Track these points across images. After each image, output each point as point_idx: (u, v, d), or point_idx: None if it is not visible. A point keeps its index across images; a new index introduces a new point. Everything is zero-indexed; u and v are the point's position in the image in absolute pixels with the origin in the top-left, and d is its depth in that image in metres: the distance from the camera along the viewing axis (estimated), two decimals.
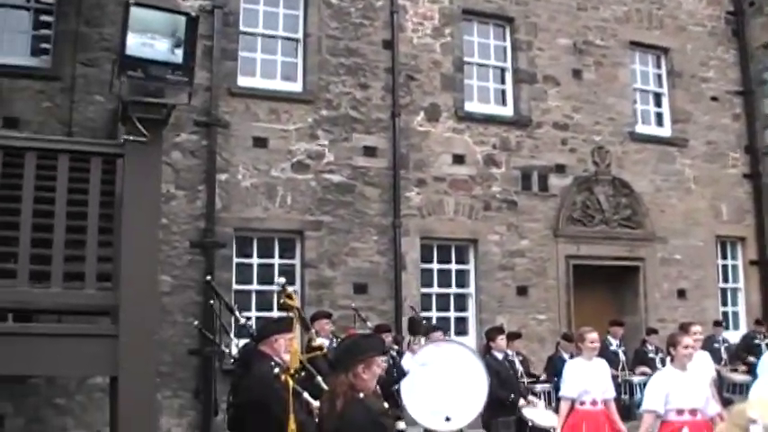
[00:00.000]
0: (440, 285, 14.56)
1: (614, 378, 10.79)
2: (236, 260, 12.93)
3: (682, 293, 16.57)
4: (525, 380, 11.51)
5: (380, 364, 4.87)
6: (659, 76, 17.39)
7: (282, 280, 5.66)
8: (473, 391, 8.78)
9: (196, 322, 10.40)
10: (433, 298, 14.45)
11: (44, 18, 12.47)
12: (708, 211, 17.16)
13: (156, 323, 6.29)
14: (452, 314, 14.57)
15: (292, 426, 5.10)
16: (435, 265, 14.57)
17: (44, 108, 11.91)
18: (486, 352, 10.72)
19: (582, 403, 8.44)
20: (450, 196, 14.52)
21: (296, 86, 13.80)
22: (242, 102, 13.20)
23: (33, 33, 12.46)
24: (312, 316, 10.36)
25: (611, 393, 8.69)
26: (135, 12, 5.92)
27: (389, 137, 14.02)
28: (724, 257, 17.71)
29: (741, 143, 17.80)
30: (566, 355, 11.61)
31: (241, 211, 12.92)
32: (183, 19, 6.25)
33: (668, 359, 7.49)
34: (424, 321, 12.50)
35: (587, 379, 8.42)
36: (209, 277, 9.63)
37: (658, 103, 17.35)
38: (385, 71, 14.23)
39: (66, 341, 5.48)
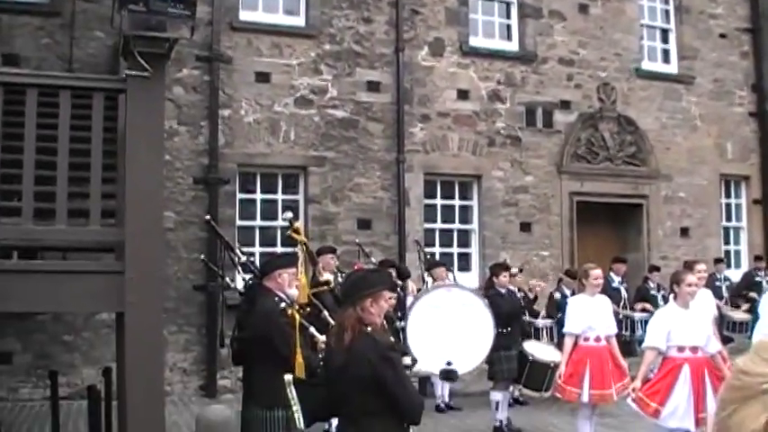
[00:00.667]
0: (443, 221, 14.59)
1: (616, 315, 10.86)
2: (239, 196, 12.93)
3: (685, 231, 16.60)
4: (527, 317, 11.57)
5: (388, 298, 4.89)
6: (667, 12, 17.14)
7: (290, 214, 5.66)
8: (478, 341, 8.83)
9: (202, 256, 10.43)
10: (437, 234, 14.49)
11: None
12: (713, 149, 17.09)
13: (161, 259, 6.31)
14: (455, 250, 14.63)
15: (299, 359, 5.13)
16: (439, 201, 14.58)
17: (44, 44, 11.80)
18: (488, 287, 10.76)
19: (586, 339, 8.51)
20: (455, 132, 14.45)
21: (299, 21, 13.64)
22: (244, 36, 13.06)
23: None
24: (317, 251, 10.37)
25: (613, 330, 8.76)
26: None
27: (393, 72, 13.89)
28: (728, 196, 17.70)
29: (748, 81, 17.64)
30: (567, 292, 11.65)
31: (244, 146, 12.88)
32: None
33: (671, 296, 7.52)
34: (428, 257, 12.53)
35: (591, 315, 8.47)
36: (208, 216, 9.63)
37: (665, 40, 17.14)
38: (389, 5, 14.03)
39: (71, 278, 5.49)
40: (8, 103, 5.62)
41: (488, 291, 10.53)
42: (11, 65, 11.10)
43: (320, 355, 5.33)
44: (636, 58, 16.29)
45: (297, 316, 5.12)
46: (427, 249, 13.25)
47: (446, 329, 8.71)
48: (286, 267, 6.20)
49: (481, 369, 10.00)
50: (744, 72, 17.61)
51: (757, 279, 14.56)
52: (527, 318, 11.55)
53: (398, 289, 9.78)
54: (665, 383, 6.99)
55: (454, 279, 11.38)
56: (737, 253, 17.76)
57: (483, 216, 14.65)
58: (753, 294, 13.47)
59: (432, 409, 11.15)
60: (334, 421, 6.29)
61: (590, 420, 8.45)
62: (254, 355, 6.23)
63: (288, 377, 4.61)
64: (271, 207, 13.11)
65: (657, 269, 14.02)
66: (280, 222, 12.78)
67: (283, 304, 5.84)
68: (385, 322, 4.85)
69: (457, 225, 14.73)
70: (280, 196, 13.34)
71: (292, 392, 4.54)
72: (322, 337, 5.28)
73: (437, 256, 13.41)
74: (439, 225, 14.52)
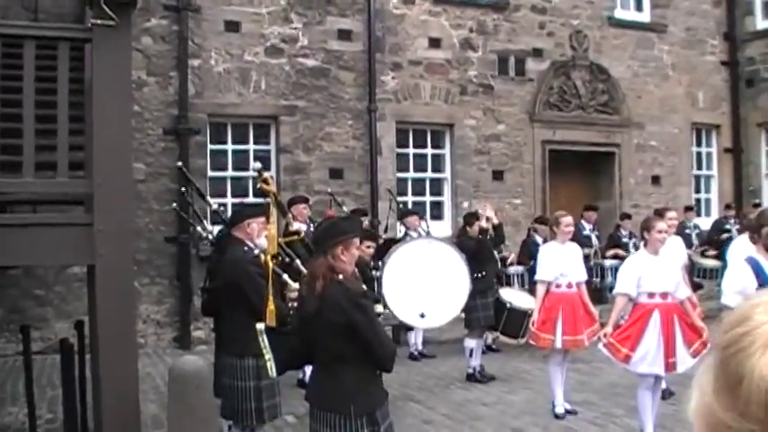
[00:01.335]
0: (416, 170, 14.59)
1: (586, 262, 10.94)
2: (210, 147, 12.84)
3: (656, 180, 16.74)
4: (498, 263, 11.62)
5: (359, 246, 4.88)
6: None
7: (258, 165, 5.60)
8: (453, 295, 8.88)
9: (174, 204, 10.37)
10: (409, 183, 14.50)
11: None
12: (684, 98, 17.16)
13: (131, 210, 6.25)
14: (428, 198, 14.66)
15: (271, 307, 5.14)
16: (411, 150, 14.56)
17: None
18: (461, 234, 10.79)
19: (558, 286, 8.57)
20: (427, 80, 14.39)
21: None
22: None
23: None
24: (289, 201, 10.36)
25: (583, 276, 8.82)
26: None
27: (364, 20, 13.75)
28: (698, 145, 17.84)
29: (720, 30, 17.68)
30: (539, 239, 11.72)
31: (214, 96, 12.75)
32: None
33: (641, 243, 7.58)
34: (400, 206, 12.56)
35: (563, 262, 8.53)
36: (179, 163, 9.55)
37: None
38: None
39: (41, 231, 5.43)
40: None
41: (461, 239, 10.57)
42: None
43: (291, 304, 5.33)
44: (608, 6, 16.24)
45: (270, 264, 5.10)
46: (400, 198, 13.31)
47: (422, 281, 8.75)
48: (255, 217, 6.19)
49: (456, 317, 10.08)
50: (716, 21, 17.63)
51: (727, 227, 14.70)
52: (499, 265, 11.60)
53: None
54: (635, 329, 7.07)
55: (427, 227, 11.41)
56: (708, 201, 17.96)
57: (455, 165, 14.66)
58: (725, 235, 13.65)
59: (405, 357, 11.25)
60: (308, 370, 6.33)
61: (561, 366, 8.56)
62: (225, 305, 6.24)
63: (259, 326, 4.61)
64: (242, 157, 13.03)
65: (629, 217, 14.12)
66: (251, 173, 12.71)
67: (257, 251, 5.84)
68: (357, 271, 4.85)
69: (429, 174, 14.73)
70: (251, 146, 13.26)
71: (264, 341, 4.54)
72: (295, 285, 5.27)
73: (410, 205, 13.45)
74: (411, 174, 14.52)
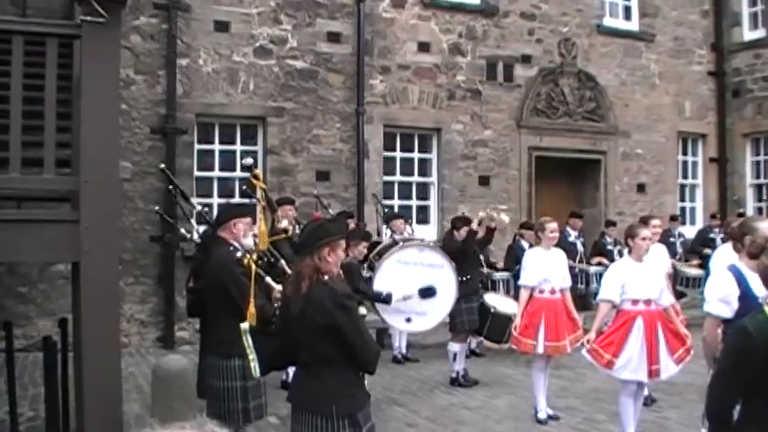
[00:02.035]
0: (402, 174, 14.61)
1: (571, 269, 10.98)
2: (197, 147, 12.82)
3: (641, 188, 16.82)
4: (485, 268, 11.65)
5: (352, 246, 4.89)
6: None
7: (250, 161, 5.62)
8: (440, 303, 8.96)
9: (157, 207, 10.34)
10: (396, 186, 14.51)
11: None
12: (671, 107, 17.26)
13: (117, 208, 6.22)
14: (414, 202, 14.68)
15: (252, 310, 5.13)
16: (398, 154, 14.59)
17: None
18: (448, 239, 10.82)
19: (541, 291, 8.60)
20: (415, 84, 14.42)
21: None
22: None
23: None
24: (276, 202, 10.34)
25: (568, 283, 8.85)
26: None
27: (354, 23, 13.77)
28: (684, 154, 17.94)
29: (708, 40, 17.79)
30: (525, 245, 11.75)
31: (202, 96, 12.73)
32: None
33: (625, 250, 7.62)
34: (386, 210, 12.57)
35: (546, 268, 8.56)
36: (162, 165, 9.52)
37: None
38: None
39: (25, 227, 5.40)
40: None
41: (448, 243, 10.59)
42: None
43: (276, 305, 5.33)
44: (597, 14, 16.31)
45: (253, 265, 5.11)
46: (386, 202, 13.32)
47: (410, 286, 8.82)
48: (241, 217, 6.18)
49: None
50: (704, 31, 17.74)
51: (711, 236, 14.77)
52: (485, 270, 11.62)
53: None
54: (618, 335, 7.10)
55: (412, 231, 11.42)
56: (693, 210, 18.05)
57: (442, 169, 14.70)
58: (707, 251, 13.69)
59: (389, 361, 11.28)
60: (291, 370, 6.32)
61: (544, 372, 8.58)
62: (210, 305, 6.22)
63: (244, 325, 4.61)
64: (229, 158, 13.03)
65: (614, 224, 14.17)
66: (238, 173, 12.72)
67: (239, 253, 5.83)
68: (341, 272, 4.85)
69: (416, 178, 14.76)
70: (238, 147, 13.24)
71: (248, 341, 4.55)
72: (278, 287, 5.27)
73: (396, 209, 13.45)
74: (398, 177, 14.54)
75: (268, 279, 5.50)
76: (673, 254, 12.94)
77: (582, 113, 15.98)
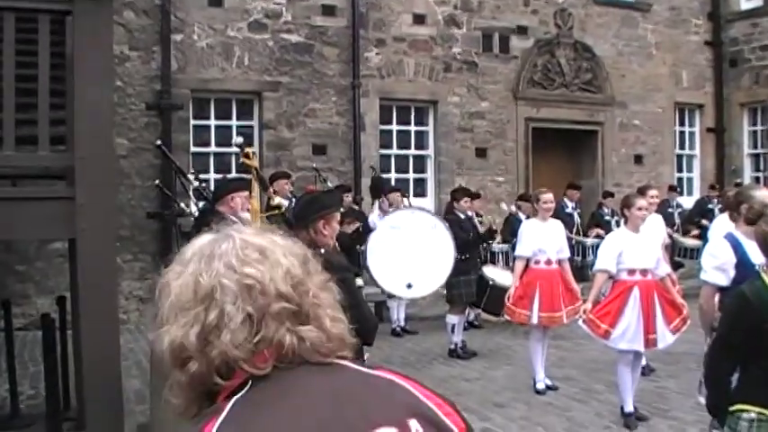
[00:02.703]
0: (399, 147, 14.58)
1: (569, 240, 10.99)
2: (192, 122, 12.79)
3: (639, 159, 16.80)
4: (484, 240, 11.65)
5: (339, 219, 4.89)
6: None
7: (240, 140, 5.59)
8: (438, 263, 8.93)
9: (157, 181, 10.32)
10: (392, 159, 14.49)
11: None
12: (668, 77, 17.20)
13: (113, 185, 6.22)
14: (411, 175, 14.65)
15: None
16: (395, 127, 14.55)
17: None
18: (448, 211, 10.83)
19: (536, 262, 8.62)
20: (411, 57, 14.35)
21: None
22: None
23: None
24: (271, 176, 10.33)
25: (566, 254, 8.87)
26: None
27: None
28: (681, 124, 17.90)
29: (704, 10, 17.69)
30: (522, 216, 11.74)
31: (197, 72, 12.68)
32: None
33: (622, 220, 7.62)
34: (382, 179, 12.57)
35: (542, 239, 8.57)
36: (158, 141, 9.49)
37: None
38: None
39: (21, 204, 5.39)
40: None
41: (448, 215, 10.61)
42: None
43: None
44: None
45: None
46: (383, 175, 13.28)
47: (407, 250, 8.79)
48: (238, 191, 6.18)
49: (438, 293, 10.14)
50: (700, 0, 17.63)
51: (710, 206, 14.75)
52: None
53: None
54: (615, 305, 7.11)
55: (409, 204, 11.43)
56: (690, 180, 18.04)
57: (439, 142, 14.66)
58: (705, 221, 13.68)
59: (388, 333, 11.30)
60: None
61: (542, 342, 8.61)
62: None
63: None
64: (225, 133, 12.98)
65: (611, 195, 14.14)
66: (234, 149, 12.66)
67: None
68: (337, 244, 4.85)
69: (413, 151, 14.73)
70: (234, 122, 13.21)
71: None
72: None
73: (393, 182, 13.43)
74: (394, 151, 14.51)
75: None
76: (671, 224, 12.94)
77: (578, 84, 15.92)
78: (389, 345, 10.80)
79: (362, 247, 9.20)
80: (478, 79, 14.95)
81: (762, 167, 17.52)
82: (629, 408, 7.25)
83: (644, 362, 8.17)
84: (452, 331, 10.26)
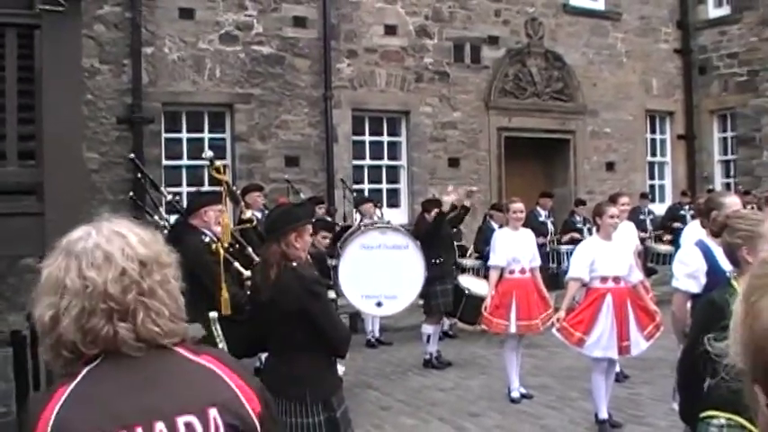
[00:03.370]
0: (372, 157, 14.58)
1: (542, 247, 11.04)
2: (164, 135, 12.71)
3: (610, 166, 16.92)
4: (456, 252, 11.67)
5: (314, 235, 4.87)
6: None
7: (210, 153, 5.57)
8: (408, 283, 8.94)
9: (131, 194, 10.24)
10: (365, 170, 14.49)
11: None
12: (638, 85, 17.36)
13: (83, 200, 6.17)
14: (384, 186, 14.66)
15: (225, 295, 5.11)
16: (367, 137, 14.55)
17: None
18: (419, 222, 10.83)
19: (511, 272, 8.65)
20: (382, 68, 14.38)
21: None
22: None
23: None
24: (243, 189, 10.28)
25: (537, 262, 8.92)
26: None
27: (319, 6, 13.69)
28: (653, 131, 18.07)
29: (674, 18, 17.90)
30: (495, 226, 11.77)
31: (169, 85, 12.62)
32: None
33: (594, 228, 7.66)
34: (355, 194, 12.57)
35: (515, 248, 8.61)
36: (132, 155, 9.43)
37: None
38: None
39: None
40: None
41: (418, 225, 10.62)
42: None
43: (248, 291, 5.31)
44: None
45: (222, 252, 5.08)
46: (356, 186, 13.33)
47: (377, 270, 8.79)
48: (211, 204, 6.15)
49: (413, 303, 10.12)
50: (669, 9, 17.85)
51: (681, 213, 14.88)
52: (457, 254, 11.64)
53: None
54: (588, 313, 7.15)
55: (382, 215, 11.42)
56: (662, 187, 18.20)
57: (411, 152, 14.69)
58: (677, 224, 13.80)
59: (362, 345, 11.29)
60: (264, 356, 6.30)
61: (516, 351, 8.64)
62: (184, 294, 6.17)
63: (213, 314, 4.59)
64: (197, 146, 12.87)
65: (584, 203, 14.22)
66: (204, 161, 12.62)
67: (208, 239, 5.80)
68: (309, 258, 4.83)
69: (385, 161, 14.74)
70: (206, 135, 13.15)
71: (218, 329, 4.52)
72: (247, 272, 5.25)
73: (366, 193, 13.46)
74: (367, 161, 14.51)
75: (237, 264, 5.48)
76: (643, 231, 13.03)
77: (550, 93, 16.02)
78: (364, 356, 10.79)
79: (335, 264, 9.19)
80: (450, 89, 14.99)
81: (732, 173, 17.69)
82: (604, 415, 7.28)
83: (618, 368, 8.21)
84: (428, 341, 10.26)
